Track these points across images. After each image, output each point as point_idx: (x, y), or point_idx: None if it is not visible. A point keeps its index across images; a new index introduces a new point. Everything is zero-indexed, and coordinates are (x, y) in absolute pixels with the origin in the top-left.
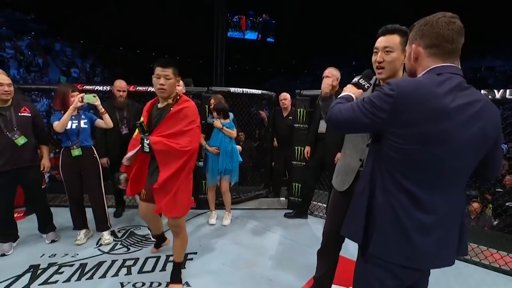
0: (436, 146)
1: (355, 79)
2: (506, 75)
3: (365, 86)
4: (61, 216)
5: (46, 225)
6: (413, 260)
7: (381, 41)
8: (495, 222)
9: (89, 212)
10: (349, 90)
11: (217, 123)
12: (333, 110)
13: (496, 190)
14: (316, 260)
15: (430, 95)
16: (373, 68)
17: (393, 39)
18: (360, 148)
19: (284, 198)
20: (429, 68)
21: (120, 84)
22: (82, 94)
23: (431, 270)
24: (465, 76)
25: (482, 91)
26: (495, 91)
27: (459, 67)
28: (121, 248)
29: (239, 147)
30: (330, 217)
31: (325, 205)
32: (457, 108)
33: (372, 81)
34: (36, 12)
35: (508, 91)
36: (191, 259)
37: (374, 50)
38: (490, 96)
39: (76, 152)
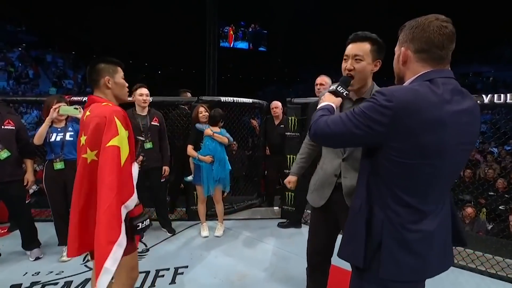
0: (434, 156)
1: (332, 87)
2: (493, 80)
3: (344, 94)
4: (47, 231)
5: (30, 242)
6: (422, 273)
7: (351, 49)
8: (490, 227)
9: None
10: (328, 100)
11: (208, 130)
12: (318, 124)
13: (489, 194)
14: None
15: (428, 105)
16: (343, 75)
17: (363, 47)
18: (335, 163)
19: (277, 207)
20: (420, 74)
21: None
22: (58, 105)
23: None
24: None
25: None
26: (484, 96)
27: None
28: None
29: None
30: (312, 236)
31: None
32: (453, 116)
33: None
34: (27, 24)
35: (496, 96)
36: (182, 273)
37: (344, 58)
38: (479, 101)
39: (58, 165)
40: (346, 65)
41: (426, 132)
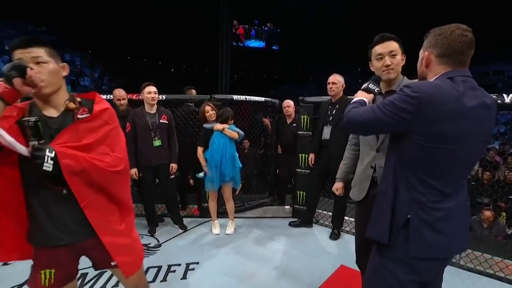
0: (454, 144)
1: (365, 85)
2: None
3: (375, 90)
4: None
5: None
6: (446, 250)
7: (383, 47)
8: (510, 231)
9: None
10: (361, 96)
11: (218, 125)
12: (350, 113)
13: (509, 197)
14: (321, 271)
15: (448, 98)
16: (377, 74)
17: (393, 44)
18: (371, 155)
19: (289, 206)
20: (442, 73)
21: (119, 93)
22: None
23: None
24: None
25: (492, 96)
26: (505, 95)
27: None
28: None
29: None
30: (357, 228)
31: (330, 213)
32: (471, 109)
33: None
34: (47, 24)
35: None
36: (193, 269)
37: (379, 56)
38: (499, 101)
39: None
40: (382, 62)
41: (446, 121)
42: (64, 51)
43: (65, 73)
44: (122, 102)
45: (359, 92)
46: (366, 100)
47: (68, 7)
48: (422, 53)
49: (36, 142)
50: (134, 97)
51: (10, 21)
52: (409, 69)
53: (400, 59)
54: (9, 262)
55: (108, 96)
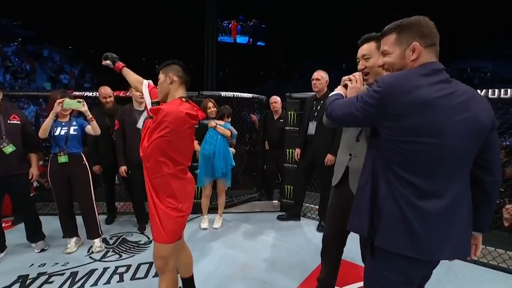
0: (429, 136)
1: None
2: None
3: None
4: (51, 224)
5: (34, 234)
6: (418, 250)
7: (360, 51)
8: None
9: (80, 220)
10: (339, 89)
11: (212, 122)
12: (333, 106)
13: None
14: (309, 261)
15: (412, 87)
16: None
17: (370, 46)
18: (350, 143)
19: (277, 201)
20: (422, 64)
21: (105, 91)
22: (62, 100)
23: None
24: (452, 77)
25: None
26: (478, 91)
27: None
28: (113, 255)
29: (232, 150)
30: (329, 216)
31: (317, 207)
32: (442, 98)
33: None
34: (23, 18)
35: (490, 91)
36: None
37: (357, 60)
38: None
39: (63, 159)
40: (359, 66)
41: (413, 113)
42: (42, 46)
43: None
44: (108, 100)
45: (339, 87)
46: (341, 93)
47: (47, 1)
48: (402, 47)
49: None
50: (122, 94)
51: None
52: None
53: (375, 61)
54: None
55: (92, 93)
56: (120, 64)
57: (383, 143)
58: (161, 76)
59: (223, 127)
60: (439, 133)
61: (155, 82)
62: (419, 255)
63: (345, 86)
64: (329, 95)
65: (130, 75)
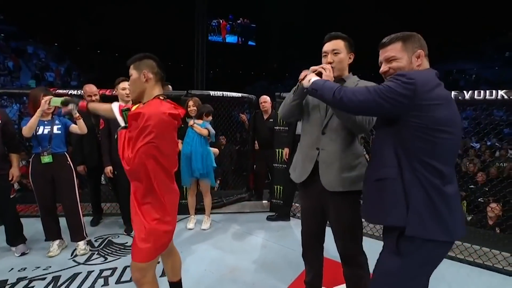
0: (451, 126)
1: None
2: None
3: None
4: (33, 227)
5: (15, 237)
6: (447, 233)
7: (328, 45)
8: (469, 218)
9: (63, 222)
10: (312, 77)
11: (191, 121)
12: (345, 92)
13: (469, 187)
14: (299, 262)
15: (436, 83)
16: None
17: (339, 43)
18: (315, 137)
19: (266, 201)
20: (427, 68)
21: (90, 89)
22: (49, 97)
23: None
24: (439, 79)
25: (453, 92)
26: (465, 92)
27: None
28: (98, 258)
29: (215, 150)
30: (304, 219)
31: None
32: (451, 96)
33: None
34: (5, 13)
35: (476, 92)
36: None
37: (324, 54)
38: (460, 97)
39: (46, 159)
40: (326, 60)
41: (441, 104)
42: (27, 43)
43: None
44: (93, 98)
45: (311, 73)
46: (318, 78)
47: None
48: (409, 53)
49: None
50: (108, 92)
51: None
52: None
53: (343, 57)
54: None
55: (77, 91)
56: (83, 103)
57: (411, 132)
58: (133, 72)
59: (200, 126)
60: (455, 124)
61: (127, 76)
62: (449, 237)
63: (319, 74)
64: (311, 80)
65: (99, 108)
